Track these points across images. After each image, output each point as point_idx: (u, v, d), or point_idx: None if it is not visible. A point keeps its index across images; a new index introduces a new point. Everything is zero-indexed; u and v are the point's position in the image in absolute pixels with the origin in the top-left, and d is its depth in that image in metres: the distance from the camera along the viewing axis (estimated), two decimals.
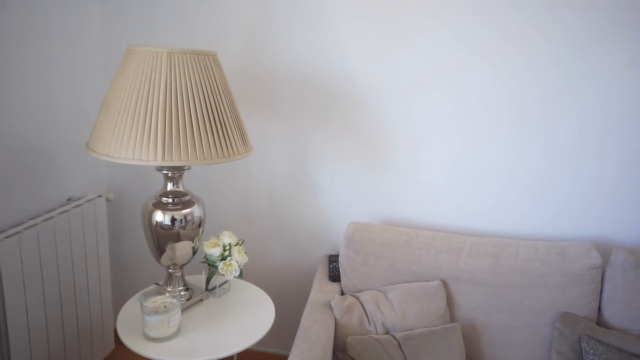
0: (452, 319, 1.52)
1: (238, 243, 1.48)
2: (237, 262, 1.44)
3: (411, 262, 1.53)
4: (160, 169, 1.35)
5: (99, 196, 1.75)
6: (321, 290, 1.57)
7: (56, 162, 1.64)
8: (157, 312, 1.27)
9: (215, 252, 1.44)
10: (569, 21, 1.49)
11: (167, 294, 1.40)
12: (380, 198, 1.76)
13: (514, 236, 1.69)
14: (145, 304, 1.28)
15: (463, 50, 1.57)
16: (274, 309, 1.48)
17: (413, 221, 1.75)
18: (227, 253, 1.45)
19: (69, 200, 1.71)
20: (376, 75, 1.65)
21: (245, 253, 1.49)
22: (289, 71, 1.70)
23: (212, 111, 1.21)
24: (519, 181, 1.64)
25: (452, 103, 1.62)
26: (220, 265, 1.43)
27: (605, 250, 1.60)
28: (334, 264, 1.71)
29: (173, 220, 1.34)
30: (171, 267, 1.44)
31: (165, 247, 1.37)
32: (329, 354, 1.28)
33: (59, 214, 1.55)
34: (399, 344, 1.39)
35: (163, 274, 2.01)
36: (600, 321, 1.45)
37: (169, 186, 1.37)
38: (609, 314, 1.43)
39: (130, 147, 1.14)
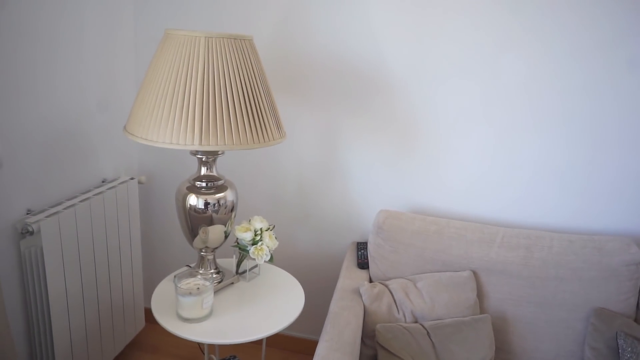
0: (482, 310, 1.51)
1: (269, 228, 1.49)
2: (268, 246, 1.45)
3: (441, 252, 1.52)
4: (195, 153, 1.36)
5: (132, 178, 1.78)
6: (350, 277, 1.58)
7: (90, 145, 1.67)
8: (190, 294, 1.30)
9: (247, 236, 1.45)
10: (615, 8, 1.42)
11: (200, 277, 1.42)
12: (410, 186, 1.74)
13: (546, 228, 1.65)
14: (179, 286, 1.30)
15: (498, 38, 1.52)
16: (303, 294, 1.49)
17: (443, 210, 1.73)
18: (258, 238, 1.46)
19: (103, 181, 1.75)
20: (409, 63, 1.62)
21: (276, 238, 1.50)
22: (322, 57, 1.68)
23: (249, 96, 1.21)
24: (555, 172, 1.60)
25: (485, 92, 1.58)
26: (252, 249, 1.45)
27: None
28: (362, 251, 1.70)
29: (206, 204, 1.36)
30: (203, 250, 1.46)
31: (198, 230, 1.39)
32: (358, 341, 1.29)
33: (94, 194, 1.58)
34: (427, 333, 1.39)
35: (192, 255, 2.05)
36: (638, 318, 1.42)
37: (203, 170, 1.38)
38: None
39: (168, 131, 1.15)
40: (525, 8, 1.48)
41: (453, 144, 1.66)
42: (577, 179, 1.59)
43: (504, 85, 1.56)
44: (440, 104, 1.63)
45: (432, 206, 1.75)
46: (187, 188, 1.38)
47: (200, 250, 1.46)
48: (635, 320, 1.41)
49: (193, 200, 1.36)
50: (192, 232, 1.41)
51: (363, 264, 1.65)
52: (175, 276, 1.36)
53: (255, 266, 1.58)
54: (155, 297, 1.43)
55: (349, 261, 1.69)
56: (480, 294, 1.51)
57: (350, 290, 1.49)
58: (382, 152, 1.73)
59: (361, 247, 1.74)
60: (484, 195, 1.68)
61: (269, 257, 1.46)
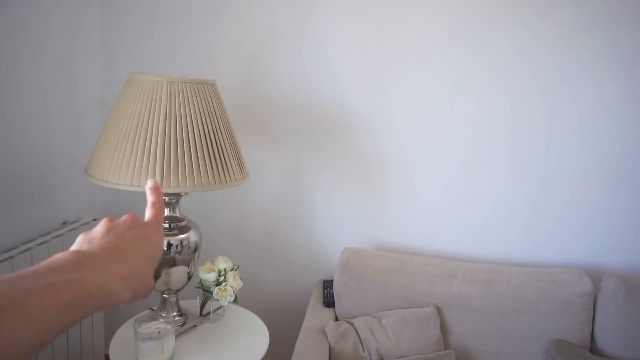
0: (446, 345, 1.52)
1: (233, 268, 1.49)
2: (232, 287, 1.44)
3: (405, 288, 1.54)
4: None
5: (94, 219, 1.75)
6: (315, 315, 1.57)
7: (52, 186, 1.65)
8: (150, 338, 1.27)
9: (210, 277, 1.44)
10: (558, 52, 1.54)
11: (161, 320, 1.39)
12: (375, 223, 1.78)
13: (506, 261, 1.71)
14: (139, 330, 1.27)
15: (453, 79, 1.62)
16: (268, 335, 1.48)
17: (407, 245, 1.77)
18: (222, 278, 1.45)
19: (64, 223, 1.71)
20: (369, 104, 1.69)
21: (241, 278, 1.49)
22: (286, 99, 1.74)
23: (211, 139, 1.24)
24: (511, 207, 1.67)
25: (444, 131, 1.66)
26: (215, 290, 1.43)
27: (596, 276, 1.62)
28: (328, 289, 1.71)
29: (169, 245, 1.35)
30: (166, 292, 1.44)
31: (160, 272, 1.37)
32: None
33: (53, 237, 1.55)
34: None
35: (157, 299, 2.00)
36: (593, 348, 1.46)
37: (166, 212, 1.38)
38: (602, 341, 1.45)
39: (129, 173, 1.16)
40: (478, 52, 1.58)
41: (416, 180, 1.72)
42: (530, 214, 1.66)
43: (459, 124, 1.65)
44: (400, 143, 1.70)
45: (396, 242, 1.78)
46: None
47: (163, 292, 1.44)
48: (591, 351, 1.45)
49: None
50: (154, 275, 1.39)
51: (329, 302, 1.65)
52: (135, 320, 1.32)
53: (220, 307, 1.56)
54: (115, 343, 1.39)
55: (315, 299, 1.68)
56: (444, 330, 1.53)
57: (315, 329, 1.49)
58: (346, 190, 1.77)
59: (327, 285, 1.74)
60: (445, 231, 1.73)
61: (233, 298, 1.44)
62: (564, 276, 1.50)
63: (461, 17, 1.58)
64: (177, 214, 1.40)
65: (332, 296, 1.66)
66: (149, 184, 0.55)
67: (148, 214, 0.53)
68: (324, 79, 1.70)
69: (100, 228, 0.46)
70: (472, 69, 1.60)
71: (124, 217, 0.49)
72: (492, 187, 1.67)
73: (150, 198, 0.54)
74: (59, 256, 0.38)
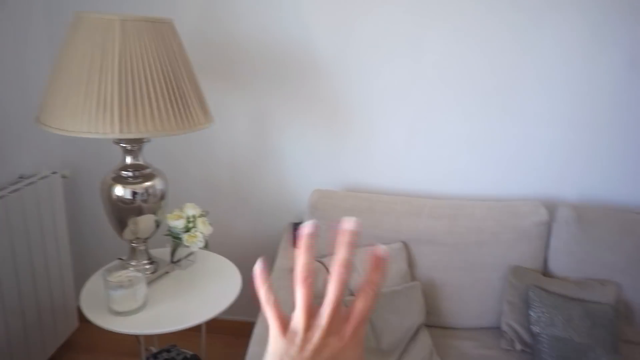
0: (413, 277, 1.59)
1: (202, 214, 1.48)
2: (201, 233, 1.44)
3: (374, 227, 1.59)
4: (118, 142, 1.31)
5: (54, 173, 1.69)
6: (286, 257, 1.61)
7: (3, 138, 1.56)
8: (121, 286, 1.27)
9: (179, 224, 1.43)
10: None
11: (131, 268, 1.39)
12: (343, 165, 1.79)
13: (470, 197, 1.77)
14: (108, 279, 1.27)
15: (421, 18, 1.59)
16: (240, 277, 1.50)
17: (375, 186, 1.80)
18: (191, 225, 1.45)
19: (20, 178, 1.64)
20: (336, 45, 1.65)
21: (210, 224, 1.49)
22: (249, 41, 1.67)
23: (171, 81, 1.18)
24: (473, 145, 1.71)
25: (409, 71, 1.65)
26: (185, 237, 1.43)
27: (552, 207, 1.71)
28: (298, 231, 1.73)
29: (134, 193, 1.32)
30: (134, 242, 1.43)
31: (127, 222, 1.35)
32: None
33: (10, 192, 1.48)
34: None
35: (127, 249, 1.98)
36: (545, 272, 1.57)
37: (129, 160, 1.34)
38: (553, 265, 1.55)
39: (85, 120, 1.10)
40: None
41: (382, 122, 1.72)
42: (492, 152, 1.71)
43: (425, 64, 1.64)
44: (366, 84, 1.68)
45: (365, 183, 1.81)
46: (113, 179, 1.33)
47: (131, 241, 1.43)
48: (544, 274, 1.56)
49: (119, 190, 1.32)
50: (120, 224, 1.37)
51: None
52: (105, 270, 1.32)
53: (191, 254, 1.56)
54: (85, 294, 1.38)
55: (286, 242, 1.71)
56: (411, 264, 1.59)
57: (287, 269, 1.52)
58: (314, 133, 1.76)
59: (297, 227, 1.76)
60: (411, 170, 1.77)
61: (203, 244, 1.45)
62: (522, 208, 1.58)
63: None
64: (141, 161, 1.36)
65: None
66: (380, 251, 0.38)
67: (354, 303, 0.38)
68: (289, 21, 1.63)
69: (293, 337, 0.37)
70: (435, 10, 1.57)
71: (325, 313, 0.37)
72: (455, 127, 1.70)
73: (370, 273, 0.38)
74: None
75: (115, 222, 1.37)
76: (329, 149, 1.77)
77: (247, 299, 1.98)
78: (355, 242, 0.38)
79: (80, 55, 1.13)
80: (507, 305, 1.49)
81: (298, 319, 0.37)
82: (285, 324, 0.38)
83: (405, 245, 1.59)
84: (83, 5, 1.68)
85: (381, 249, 0.38)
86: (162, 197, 1.39)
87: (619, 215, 1.55)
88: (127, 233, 1.38)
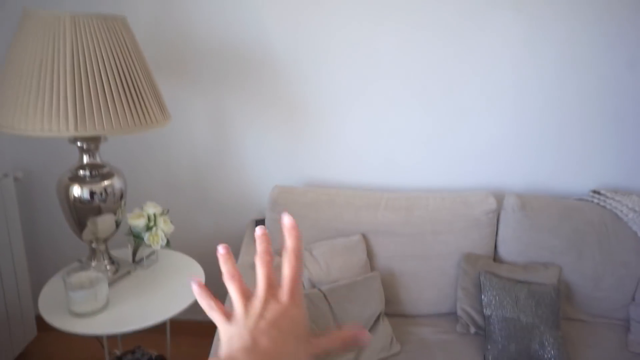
0: (372, 268, 1.65)
1: (163, 213, 1.48)
2: (163, 231, 1.45)
3: (333, 220, 1.63)
4: (74, 140, 1.30)
5: (5, 175, 1.64)
6: (249, 253, 1.63)
7: None
8: (82, 287, 1.26)
9: (140, 223, 1.43)
10: None
11: (92, 269, 1.38)
12: (303, 162, 1.83)
13: (425, 189, 1.85)
14: (68, 280, 1.25)
15: (373, 18, 1.65)
16: (203, 274, 1.52)
17: (335, 181, 1.85)
18: (152, 224, 1.45)
19: None
20: (291, 42, 1.68)
21: (171, 222, 1.49)
22: (206, 39, 1.68)
23: (126, 78, 1.18)
24: (427, 140, 1.79)
25: (365, 69, 1.71)
26: (147, 236, 1.43)
27: (500, 196, 1.82)
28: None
29: (92, 193, 1.31)
30: (94, 242, 1.41)
31: (86, 222, 1.34)
32: None
33: None
34: (324, 296, 1.49)
35: (86, 251, 1.95)
36: (496, 257, 1.67)
37: (85, 159, 1.33)
38: (502, 250, 1.65)
39: (38, 117, 1.09)
40: None
41: (337, 120, 1.77)
42: (444, 145, 1.80)
43: (379, 64, 1.70)
44: (325, 82, 1.73)
45: (325, 178, 1.86)
46: (70, 179, 1.32)
47: (91, 242, 1.41)
48: (494, 260, 1.66)
49: (77, 190, 1.31)
50: (79, 225, 1.35)
51: None
52: (64, 272, 1.30)
53: (152, 253, 1.56)
54: (44, 297, 1.36)
55: (249, 238, 1.74)
56: (370, 254, 1.65)
57: (250, 265, 1.54)
58: (273, 130, 1.79)
59: (259, 223, 1.79)
60: (369, 165, 1.83)
61: (165, 242, 1.45)
62: (473, 198, 1.67)
63: None
64: (98, 161, 1.35)
65: None
66: (287, 221, 0.44)
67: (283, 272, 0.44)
68: (245, 18, 1.65)
69: (238, 317, 0.42)
70: (388, 12, 1.63)
71: (259, 293, 0.43)
72: (409, 123, 1.77)
73: (288, 241, 0.44)
74: None
75: (73, 224, 1.35)
76: (289, 146, 1.81)
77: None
78: (298, 232, 0.44)
79: (31, 52, 1.11)
80: (461, 291, 1.57)
81: (259, 291, 0.43)
82: (247, 297, 0.43)
83: (364, 237, 1.64)
84: (32, 2, 1.64)
85: (286, 217, 0.44)
86: (121, 196, 1.38)
87: (560, 202, 1.67)
88: (87, 234, 1.37)
